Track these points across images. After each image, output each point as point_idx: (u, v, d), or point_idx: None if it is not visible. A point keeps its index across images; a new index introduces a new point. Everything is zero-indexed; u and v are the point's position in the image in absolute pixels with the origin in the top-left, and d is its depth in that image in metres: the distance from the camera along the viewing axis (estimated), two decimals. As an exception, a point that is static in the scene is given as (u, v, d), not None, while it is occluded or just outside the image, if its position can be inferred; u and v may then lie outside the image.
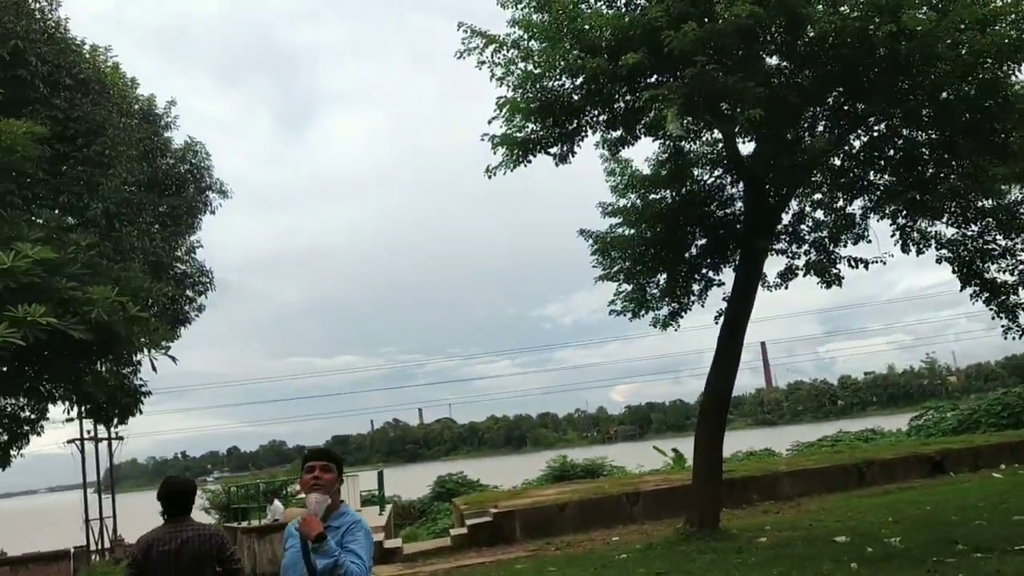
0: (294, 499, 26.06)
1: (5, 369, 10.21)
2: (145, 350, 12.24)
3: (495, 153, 12.91)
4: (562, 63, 12.34)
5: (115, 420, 24.85)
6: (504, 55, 12.81)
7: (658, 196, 15.16)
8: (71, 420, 40.40)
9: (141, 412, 24.55)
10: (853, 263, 14.29)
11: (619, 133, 13.89)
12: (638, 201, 15.28)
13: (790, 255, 15.01)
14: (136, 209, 19.57)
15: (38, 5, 19.02)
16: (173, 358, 22.54)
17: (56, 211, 12.68)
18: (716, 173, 15.33)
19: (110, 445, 42.17)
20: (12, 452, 25.26)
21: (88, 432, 40.96)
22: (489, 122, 12.75)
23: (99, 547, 37.41)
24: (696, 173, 15.26)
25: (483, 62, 12.65)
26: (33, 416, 25.14)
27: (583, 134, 13.46)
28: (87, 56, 19.70)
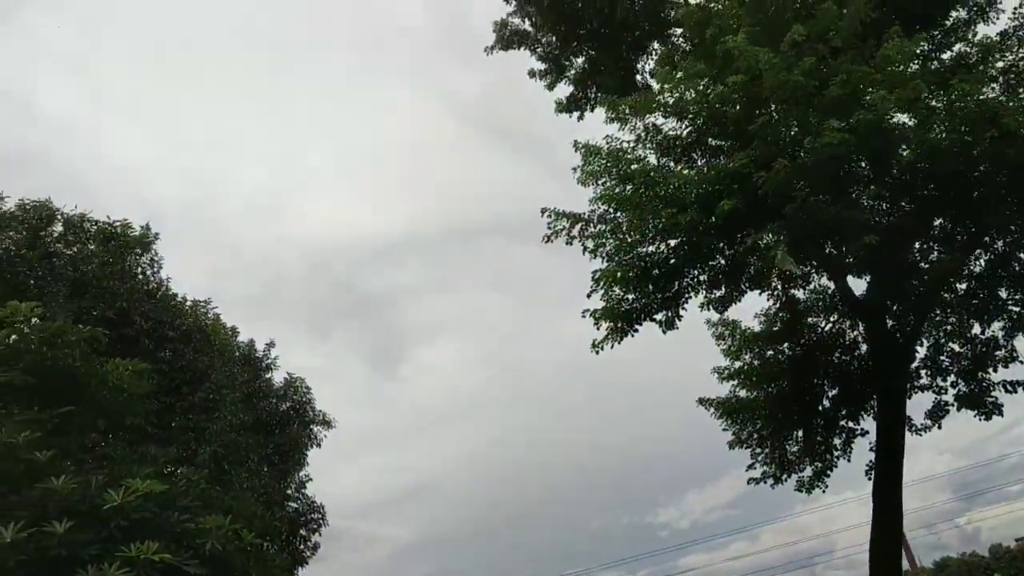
0: None
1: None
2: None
3: (597, 328, 12.41)
4: (654, 226, 12.02)
5: None
6: (591, 230, 12.59)
7: (775, 352, 14.27)
8: None
9: None
10: (1010, 387, 12.94)
11: (723, 291, 13.30)
12: (754, 361, 14.40)
13: (935, 390, 13.74)
14: (243, 450, 19.44)
15: (140, 269, 19.98)
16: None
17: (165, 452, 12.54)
18: (832, 319, 14.46)
19: None
20: None
21: None
22: (588, 295, 12.36)
23: None
24: (812, 322, 14.41)
25: (572, 238, 12.43)
26: None
27: (686, 296, 12.91)
28: (188, 310, 20.37)
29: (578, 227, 12.57)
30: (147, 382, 11.08)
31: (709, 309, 13.98)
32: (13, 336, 9.85)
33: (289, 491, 23.69)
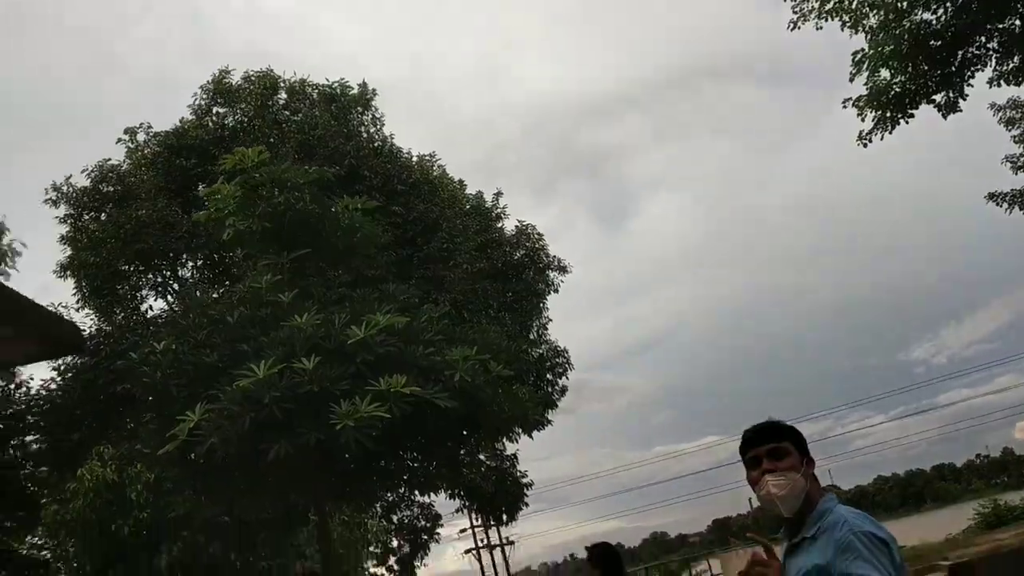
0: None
1: (366, 461, 9.51)
2: (516, 429, 11.22)
3: (862, 118, 10.63)
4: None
5: (504, 517, 24.72)
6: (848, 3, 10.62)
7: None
8: (464, 531, 42.11)
9: (527, 505, 24.21)
10: None
11: (1017, 60, 10.97)
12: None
13: None
14: (483, 298, 19.29)
15: (363, 127, 19.92)
16: (543, 420, 21.71)
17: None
18: None
19: (503, 551, 43.04)
20: (416, 563, 26.09)
21: (482, 541, 42.17)
22: (851, 79, 10.55)
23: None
24: None
25: (824, 16, 10.56)
26: (428, 525, 25.82)
27: (970, 71, 10.76)
28: (415, 165, 20.19)
29: (832, 2, 10.64)
30: (378, 229, 10.93)
31: (1000, 84, 11.65)
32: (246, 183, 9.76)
33: (531, 336, 23.67)
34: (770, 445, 2.72)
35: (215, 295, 13.56)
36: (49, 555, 22.43)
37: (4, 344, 4.10)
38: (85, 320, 17.01)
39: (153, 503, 15.93)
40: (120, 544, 15.81)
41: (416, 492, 11.21)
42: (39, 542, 26.99)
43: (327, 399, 8.05)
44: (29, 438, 20.39)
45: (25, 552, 27.71)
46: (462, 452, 10.83)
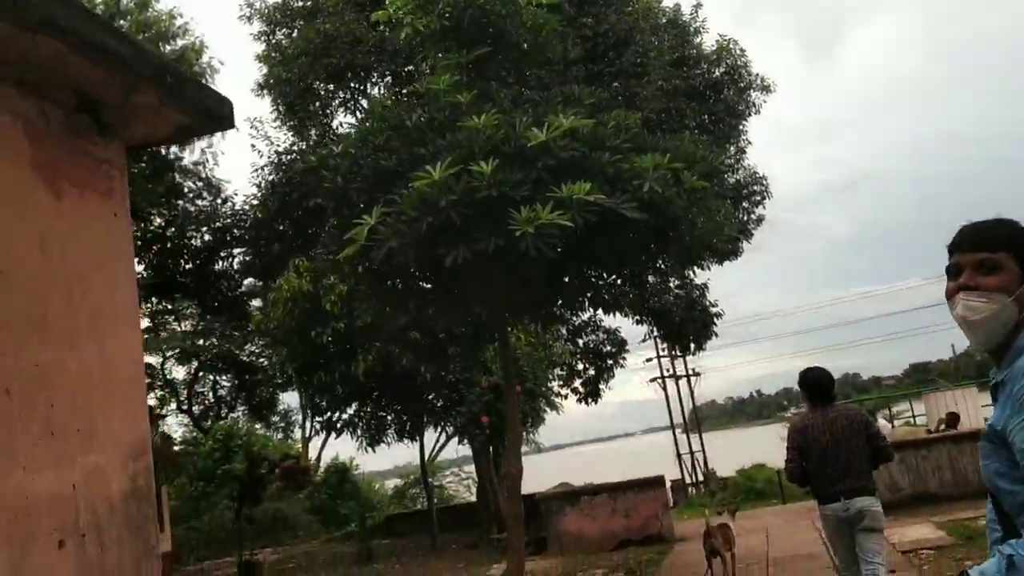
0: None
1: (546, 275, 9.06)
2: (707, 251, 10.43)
3: None
4: None
5: (691, 346, 24.31)
6: None
7: None
8: (650, 360, 42.28)
9: (716, 335, 23.62)
10: None
11: None
12: None
13: None
14: (677, 117, 18.10)
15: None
16: (737, 248, 20.70)
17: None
18: None
19: (689, 382, 43.06)
20: (601, 386, 26.32)
21: (667, 371, 42.30)
22: None
23: (693, 480, 38.22)
24: None
25: None
26: (614, 350, 25.81)
27: None
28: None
29: None
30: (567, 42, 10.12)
31: None
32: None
33: (728, 161, 22.33)
34: (980, 255, 2.03)
35: (392, 99, 13.30)
36: (265, 362, 24.20)
37: (149, 114, 3.74)
38: (281, 138, 17.41)
39: (347, 314, 16.51)
40: (319, 352, 16.59)
41: (600, 312, 10.75)
42: (256, 350, 29.21)
43: (506, 205, 7.58)
44: (236, 251, 21.63)
45: (245, 358, 30.18)
46: (650, 271, 10.23)
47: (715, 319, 23.25)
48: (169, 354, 53.13)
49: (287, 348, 16.77)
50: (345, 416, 18.26)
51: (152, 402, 51.72)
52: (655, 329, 23.81)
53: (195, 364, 52.80)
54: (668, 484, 36.13)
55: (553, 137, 7.88)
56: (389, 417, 18.39)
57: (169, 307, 44.85)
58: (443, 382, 16.84)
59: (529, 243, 7.41)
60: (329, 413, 18.16)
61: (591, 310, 10.96)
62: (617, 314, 23.12)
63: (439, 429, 18.76)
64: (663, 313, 22.66)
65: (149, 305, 50.77)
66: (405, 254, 7.92)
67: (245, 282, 21.49)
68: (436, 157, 7.88)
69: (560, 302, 10.64)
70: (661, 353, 40.93)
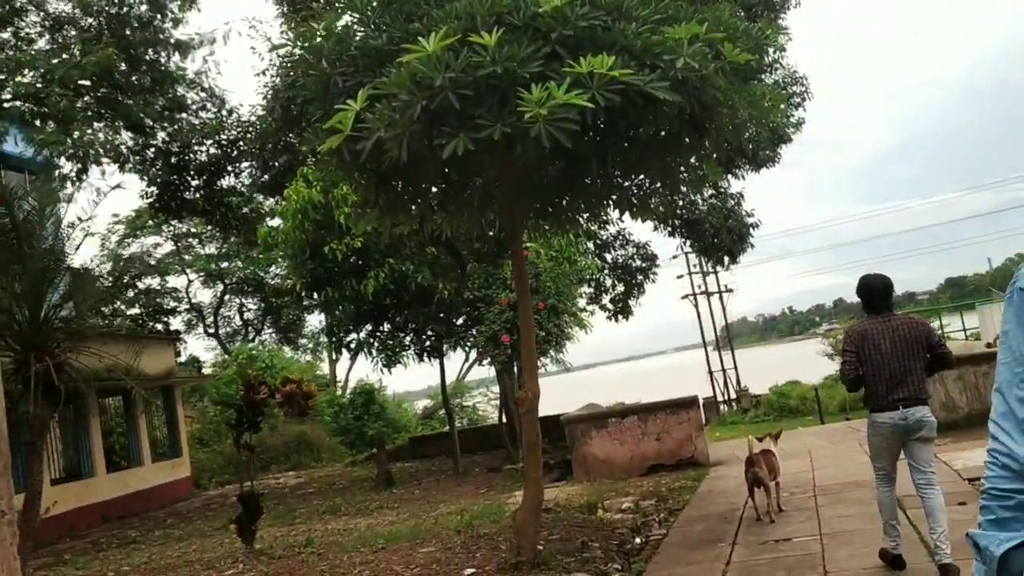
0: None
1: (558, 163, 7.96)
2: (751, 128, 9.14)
3: None
4: None
5: (725, 259, 23.14)
6: None
7: None
8: (681, 277, 41.07)
9: (752, 247, 22.41)
10: None
11: None
12: None
13: None
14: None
15: None
16: (774, 156, 19.37)
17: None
18: None
19: (721, 299, 41.90)
20: (631, 303, 25.32)
21: (699, 287, 41.14)
22: None
23: (726, 398, 37.45)
24: None
25: None
26: (644, 265, 24.71)
27: None
28: None
29: None
30: None
31: None
32: None
33: (774, 41, 20.76)
34: None
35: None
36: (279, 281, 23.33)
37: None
38: (283, 39, 16.15)
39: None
40: (330, 267, 15.61)
41: (627, 218, 9.56)
42: (282, 272, 28.31)
43: (513, 84, 6.39)
44: (244, 165, 20.59)
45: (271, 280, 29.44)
46: (683, 169, 9.02)
47: (751, 230, 22.08)
48: (193, 277, 52.67)
49: (295, 263, 15.80)
50: (359, 336, 17.35)
51: (179, 326, 51.38)
52: (687, 242, 22.67)
53: (220, 287, 52.40)
54: (700, 403, 35.56)
55: (569, 3, 6.63)
56: (408, 338, 17.45)
57: (192, 229, 44.16)
58: (462, 299, 15.85)
59: (541, 129, 6.24)
60: (341, 333, 17.30)
61: (615, 214, 9.74)
62: (647, 222, 21.95)
63: (459, 349, 17.85)
64: (696, 224, 21.50)
65: (171, 228, 50.21)
66: (397, 146, 6.78)
67: (256, 197, 20.54)
68: (432, 31, 6.67)
69: (581, 205, 9.46)
70: (692, 270, 39.82)
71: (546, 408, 26.63)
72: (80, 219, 9.79)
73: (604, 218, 19.67)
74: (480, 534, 9.49)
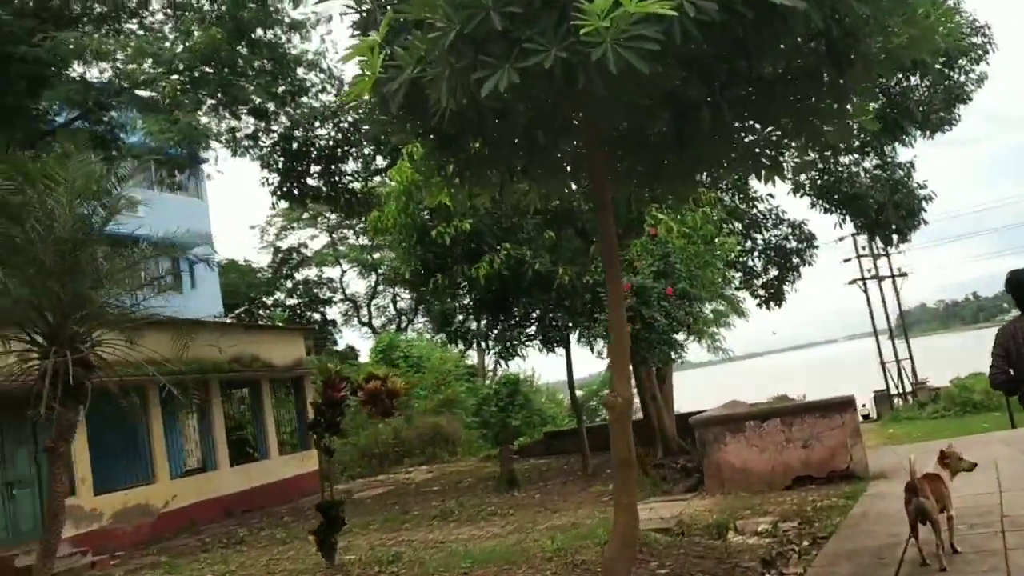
0: None
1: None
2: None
3: None
4: None
5: (894, 237, 20.48)
6: None
7: None
8: (848, 260, 37.78)
9: (924, 223, 19.67)
10: None
11: None
12: None
13: None
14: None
15: None
16: (950, 118, 16.93)
17: None
18: None
19: (894, 283, 38.20)
20: (785, 288, 22.96)
21: (868, 271, 37.66)
22: None
23: (900, 391, 34.08)
24: None
25: None
26: (800, 246, 22.32)
27: None
28: None
29: None
30: None
31: None
32: None
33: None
34: None
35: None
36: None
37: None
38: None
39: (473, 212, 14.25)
40: (439, 252, 14.45)
41: (751, 174, 7.74)
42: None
43: (572, -4, 4.85)
44: (366, 149, 19.80)
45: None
46: (824, 111, 7.15)
47: (924, 203, 19.35)
48: (347, 267, 53.30)
49: (403, 249, 14.71)
50: (476, 326, 16.09)
51: (336, 316, 52.13)
52: (846, 218, 20.18)
53: (373, 277, 52.80)
54: (871, 396, 32.40)
55: None
56: (530, 328, 16.05)
57: (346, 220, 44.30)
58: (582, 284, 14.31)
59: (608, 51, 4.68)
60: (455, 323, 16.11)
61: (739, 174, 7.90)
62: (801, 196, 19.53)
63: (580, 339, 16.29)
64: (857, 198, 19.02)
65: (325, 219, 50.84)
66: (435, 84, 5.37)
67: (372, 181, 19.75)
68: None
69: (693, 167, 7.72)
70: (861, 252, 36.50)
71: (689, 403, 24.64)
72: (118, 196, 8.80)
73: (723, 182, 17.59)
74: (577, 561, 7.98)
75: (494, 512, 13.43)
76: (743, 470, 11.37)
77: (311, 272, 51.54)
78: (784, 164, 7.71)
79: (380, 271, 48.07)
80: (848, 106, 7.24)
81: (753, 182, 20.80)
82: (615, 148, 8.00)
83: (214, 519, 17.09)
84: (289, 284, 51.08)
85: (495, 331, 15.83)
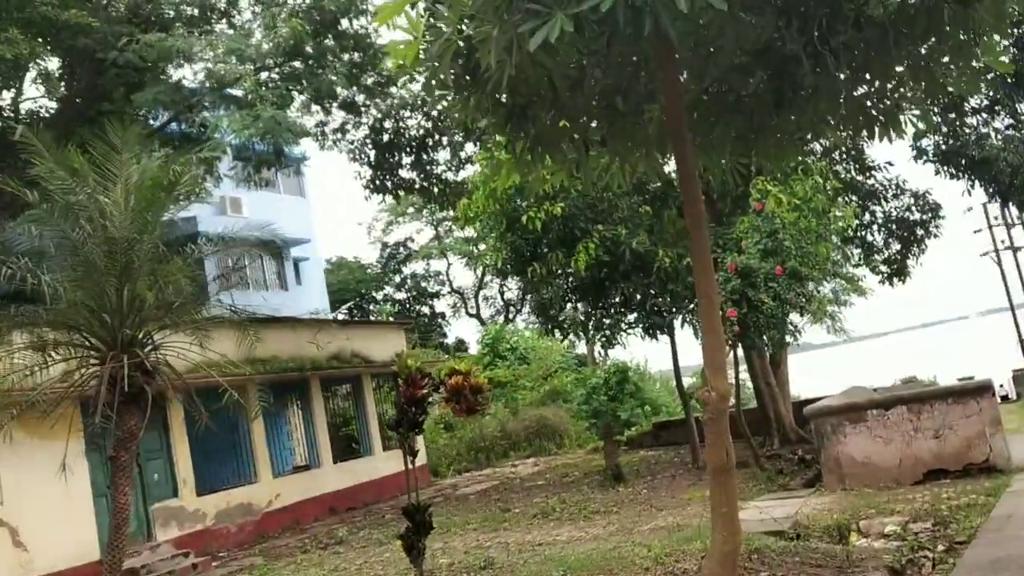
0: None
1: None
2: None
3: None
4: None
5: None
6: None
7: None
8: (979, 231, 35.28)
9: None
10: None
11: None
12: None
13: None
14: None
15: None
16: None
17: None
18: None
19: (1031, 253, 35.48)
20: (909, 263, 21.35)
21: (1002, 242, 35.09)
22: None
23: (1049, 367, 31.64)
24: None
25: None
26: (925, 218, 20.71)
27: None
28: None
29: None
30: None
31: None
32: None
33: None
34: None
35: None
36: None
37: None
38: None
39: (564, 194, 13.58)
40: (531, 239, 13.83)
41: (862, 133, 6.76)
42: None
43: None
44: (456, 137, 19.32)
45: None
46: (944, 58, 6.14)
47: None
48: (453, 260, 53.32)
49: (492, 237, 14.12)
50: (574, 314, 15.35)
51: (445, 309, 52.20)
52: (975, 183, 18.49)
53: (480, 268, 52.72)
54: (1010, 375, 30.24)
55: None
56: (631, 314, 15.20)
57: (441, 211, 44.28)
58: (682, 267, 13.43)
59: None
60: (552, 311, 15.41)
61: (849, 134, 6.95)
62: (923, 161, 18.02)
63: (684, 323, 15.32)
64: (987, 162, 17.38)
65: (431, 213, 50.77)
66: (485, 47, 4.74)
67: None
68: None
69: (796, 128, 6.82)
70: (994, 222, 34.01)
71: (809, 388, 23.17)
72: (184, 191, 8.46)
73: (834, 148, 16.26)
74: (678, 571, 7.24)
75: (596, 510, 12.74)
76: (866, 464, 10.32)
77: (418, 266, 51.73)
78: (901, 120, 6.77)
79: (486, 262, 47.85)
80: (976, 48, 6.27)
81: (869, 148, 19.41)
82: (705, 112, 7.21)
83: (318, 517, 16.98)
84: (397, 279, 51.42)
85: (594, 319, 15.10)
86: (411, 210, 46.28)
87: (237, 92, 16.52)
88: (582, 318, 15.29)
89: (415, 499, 9.21)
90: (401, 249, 50.98)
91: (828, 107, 6.46)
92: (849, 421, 10.50)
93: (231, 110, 15.37)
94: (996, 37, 6.23)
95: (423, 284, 51.20)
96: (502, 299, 51.54)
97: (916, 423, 10.13)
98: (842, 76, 6.34)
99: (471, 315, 51.78)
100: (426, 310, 49.19)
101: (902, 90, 6.45)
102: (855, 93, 6.48)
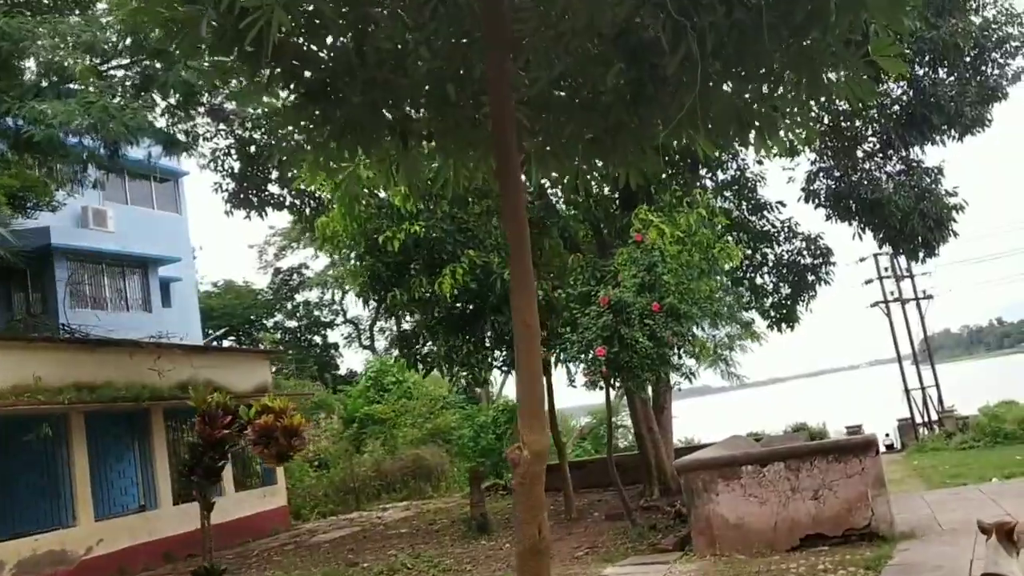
0: None
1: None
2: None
3: None
4: None
5: (919, 252, 18.31)
6: None
7: None
8: (870, 282, 35.52)
9: (954, 235, 17.49)
10: None
11: None
12: None
13: None
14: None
15: None
16: (982, 117, 15.20)
17: None
18: None
19: (919, 307, 35.87)
20: (798, 309, 20.83)
21: (891, 293, 35.40)
22: None
23: (925, 419, 31.82)
24: None
25: None
26: (815, 263, 20.24)
27: None
28: None
29: None
30: None
31: None
32: None
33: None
34: None
35: None
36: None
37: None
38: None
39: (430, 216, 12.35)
40: (390, 262, 12.52)
41: (735, 138, 5.68)
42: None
43: None
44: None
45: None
46: (827, 40, 5.13)
47: (954, 214, 17.22)
48: (349, 289, 51.47)
49: (352, 259, 12.77)
50: (437, 349, 14.00)
51: (337, 339, 50.09)
52: (865, 227, 18.00)
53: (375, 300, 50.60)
54: (895, 424, 30.24)
55: None
56: (497, 352, 13.97)
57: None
58: (563, 299, 12.30)
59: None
60: (416, 344, 14.09)
61: (720, 141, 5.86)
62: (786, 169, 17.42)
63: (558, 363, 14.16)
64: (878, 205, 16.89)
65: (285, 242, 48.59)
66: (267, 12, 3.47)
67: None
68: None
69: (659, 129, 5.73)
70: (884, 274, 34.25)
71: (703, 433, 22.30)
72: None
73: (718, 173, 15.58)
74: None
75: (448, 568, 11.37)
76: (739, 526, 9.26)
77: (313, 294, 49.68)
78: (779, 127, 5.74)
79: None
80: (868, 46, 5.28)
81: (761, 188, 18.82)
82: (556, 110, 6.08)
83: (149, 565, 15.10)
84: (289, 306, 49.24)
85: (460, 353, 13.78)
86: (307, 235, 44.47)
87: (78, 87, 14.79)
88: (444, 352, 13.93)
89: (209, 561, 7.73)
90: (295, 276, 48.87)
91: (694, 104, 5.37)
92: (722, 477, 9.42)
93: (65, 102, 13.61)
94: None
95: (315, 313, 49.17)
96: (398, 330, 49.87)
97: (794, 482, 9.12)
98: (711, 70, 5.29)
99: (364, 346, 49.92)
100: (318, 340, 47.23)
101: (781, 90, 5.42)
102: (725, 87, 5.43)
